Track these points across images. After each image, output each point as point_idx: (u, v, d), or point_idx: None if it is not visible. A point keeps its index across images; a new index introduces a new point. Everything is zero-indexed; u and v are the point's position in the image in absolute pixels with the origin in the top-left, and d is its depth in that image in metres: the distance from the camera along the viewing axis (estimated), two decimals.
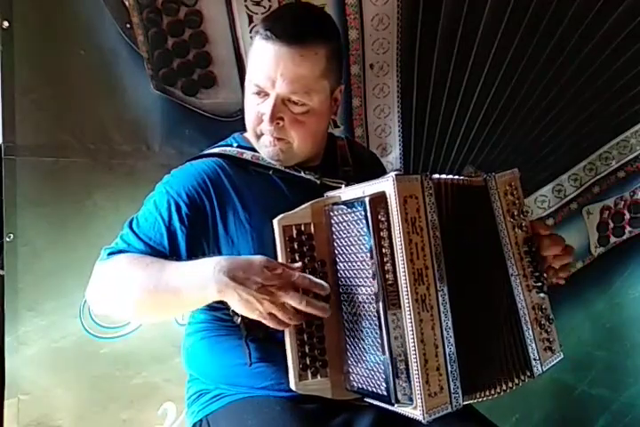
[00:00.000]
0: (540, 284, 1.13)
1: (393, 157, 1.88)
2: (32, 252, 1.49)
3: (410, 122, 1.87)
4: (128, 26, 1.56)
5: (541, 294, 1.13)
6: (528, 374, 1.09)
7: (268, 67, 1.13)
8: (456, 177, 1.10)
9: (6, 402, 1.46)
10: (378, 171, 1.48)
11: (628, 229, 2.02)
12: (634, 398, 1.97)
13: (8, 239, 1.46)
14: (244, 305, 0.98)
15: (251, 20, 1.66)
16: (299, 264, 1.04)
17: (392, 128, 1.87)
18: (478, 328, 1.06)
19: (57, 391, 1.53)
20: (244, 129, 1.38)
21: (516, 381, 1.08)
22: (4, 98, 1.44)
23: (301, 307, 0.98)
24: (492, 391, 1.06)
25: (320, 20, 1.23)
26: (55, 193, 1.52)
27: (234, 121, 1.67)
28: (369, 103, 1.84)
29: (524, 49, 1.87)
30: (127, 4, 1.55)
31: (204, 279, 1.00)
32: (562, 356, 1.14)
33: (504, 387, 1.07)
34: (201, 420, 1.19)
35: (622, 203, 2.01)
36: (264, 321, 1.01)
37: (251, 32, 1.66)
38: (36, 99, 1.49)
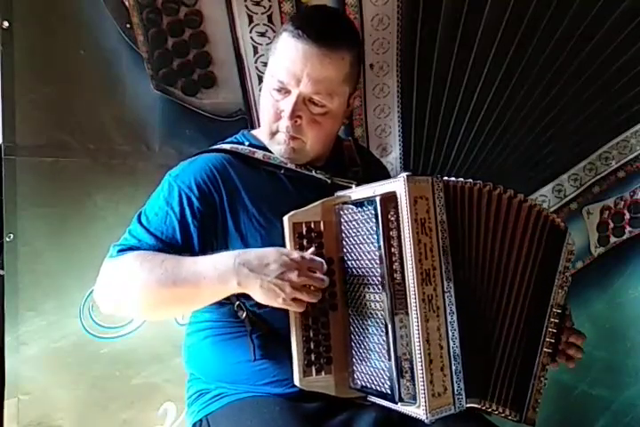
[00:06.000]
0: (553, 348, 1.14)
1: (393, 157, 1.88)
2: (32, 252, 1.48)
3: (410, 122, 1.87)
4: (128, 26, 1.56)
5: (550, 360, 1.14)
6: (517, 415, 1.08)
7: (294, 65, 1.14)
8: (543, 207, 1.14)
9: (6, 402, 1.46)
10: (383, 172, 1.49)
11: (628, 229, 2.02)
12: (634, 398, 1.97)
13: (8, 239, 1.46)
14: (266, 294, 1.01)
15: (251, 20, 1.66)
16: (311, 249, 1.06)
17: (392, 128, 1.87)
18: (486, 333, 1.06)
19: (57, 391, 1.53)
20: (243, 129, 1.38)
21: (506, 411, 1.07)
22: (4, 98, 1.44)
23: (323, 285, 1.02)
24: (490, 405, 1.06)
25: (348, 27, 1.27)
26: (55, 193, 1.52)
27: (234, 121, 1.67)
28: (369, 103, 1.84)
29: (524, 49, 1.86)
30: (127, 3, 1.55)
31: (224, 273, 1.02)
32: None
33: (498, 409, 1.06)
34: (201, 420, 1.20)
35: (622, 203, 2.01)
36: (289, 308, 1.03)
37: (251, 32, 1.66)
38: (36, 99, 1.48)
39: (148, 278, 1.06)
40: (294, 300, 1.01)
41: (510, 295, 1.09)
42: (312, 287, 1.02)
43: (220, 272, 1.02)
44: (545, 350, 1.12)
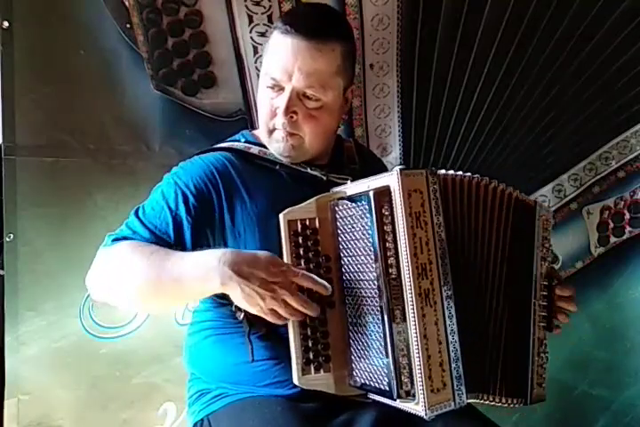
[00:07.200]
0: (547, 321, 1.13)
1: (393, 157, 1.88)
2: (32, 252, 1.48)
3: (410, 122, 1.87)
4: (128, 26, 1.56)
5: (546, 331, 1.13)
6: (521, 401, 1.08)
7: (285, 60, 1.14)
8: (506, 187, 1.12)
9: (6, 402, 1.46)
10: (379, 164, 1.50)
11: (628, 229, 2.02)
12: (634, 398, 1.97)
13: (8, 239, 1.46)
14: (245, 299, 0.99)
15: (251, 20, 1.66)
16: (303, 268, 1.05)
17: (392, 128, 1.87)
18: (484, 327, 1.06)
19: (57, 391, 1.53)
20: (244, 129, 1.38)
21: (509, 400, 1.07)
22: (4, 98, 1.44)
23: (300, 309, 1.00)
24: (493, 398, 1.05)
25: (338, 19, 1.27)
26: (55, 193, 1.52)
27: (234, 121, 1.67)
28: (369, 103, 1.84)
29: (524, 49, 1.87)
30: (127, 4, 1.55)
31: (208, 271, 1.00)
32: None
33: (501, 400, 1.06)
34: (202, 419, 1.20)
35: (622, 203, 2.01)
36: (265, 316, 1.01)
37: (251, 32, 1.66)
38: (36, 99, 1.48)
39: (136, 268, 1.06)
40: (272, 311, 1.00)
41: (500, 281, 1.08)
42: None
43: (204, 271, 1.01)
44: (540, 324, 1.11)
